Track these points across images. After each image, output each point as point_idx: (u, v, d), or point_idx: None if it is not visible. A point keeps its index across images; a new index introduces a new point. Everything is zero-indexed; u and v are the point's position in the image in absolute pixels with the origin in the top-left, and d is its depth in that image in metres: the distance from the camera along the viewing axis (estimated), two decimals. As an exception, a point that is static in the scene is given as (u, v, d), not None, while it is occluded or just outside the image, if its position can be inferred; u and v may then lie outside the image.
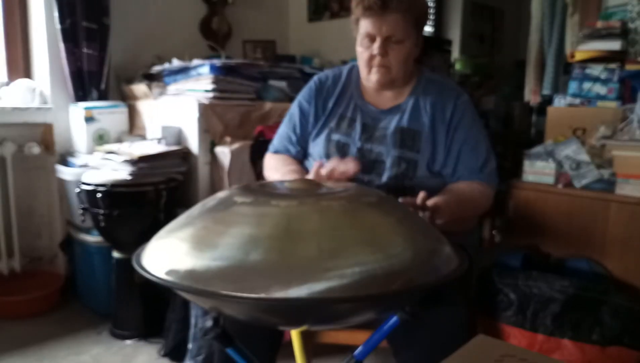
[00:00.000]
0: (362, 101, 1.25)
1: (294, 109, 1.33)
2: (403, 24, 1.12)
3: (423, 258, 0.70)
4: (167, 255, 0.71)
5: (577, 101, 1.69)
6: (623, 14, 1.66)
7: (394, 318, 0.76)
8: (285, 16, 3.14)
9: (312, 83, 1.33)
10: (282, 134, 1.35)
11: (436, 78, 1.26)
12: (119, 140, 2.13)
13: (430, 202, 1.01)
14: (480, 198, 1.18)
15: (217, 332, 0.72)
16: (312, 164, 1.16)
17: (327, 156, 1.24)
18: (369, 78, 1.20)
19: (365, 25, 1.14)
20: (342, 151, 1.22)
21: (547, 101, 1.98)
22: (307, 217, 0.69)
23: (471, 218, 1.24)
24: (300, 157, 1.32)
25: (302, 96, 1.33)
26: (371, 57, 1.17)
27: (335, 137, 1.24)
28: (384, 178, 1.16)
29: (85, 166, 1.97)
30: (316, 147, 1.27)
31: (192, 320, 1.49)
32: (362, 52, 1.18)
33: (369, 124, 1.22)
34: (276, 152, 1.36)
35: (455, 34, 3.69)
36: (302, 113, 1.31)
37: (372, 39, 1.15)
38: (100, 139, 2.11)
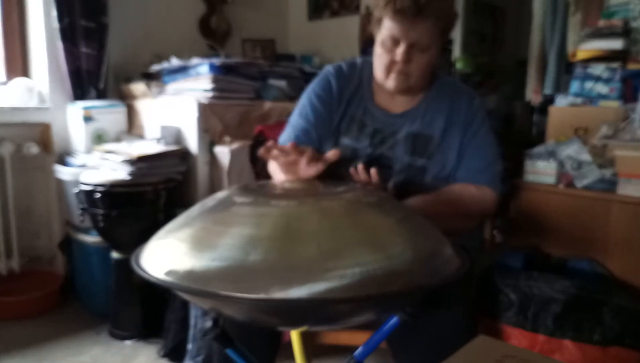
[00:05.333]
0: (373, 104, 1.20)
1: (307, 101, 1.23)
2: (432, 31, 1.06)
3: (423, 258, 0.70)
4: (166, 255, 0.70)
5: (579, 100, 1.68)
6: (625, 12, 1.65)
7: (394, 319, 0.76)
8: (284, 15, 3.14)
9: (327, 74, 1.23)
10: (295, 126, 1.23)
11: (449, 81, 1.23)
12: (117, 140, 2.12)
13: (407, 202, 1.02)
14: (469, 201, 1.14)
15: (217, 333, 0.71)
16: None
17: (337, 160, 1.20)
18: (386, 83, 1.14)
19: (390, 28, 1.07)
20: (351, 156, 1.18)
21: (549, 100, 1.97)
22: (307, 217, 0.69)
23: (461, 221, 1.18)
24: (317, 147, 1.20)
25: (317, 87, 1.23)
26: (392, 62, 1.10)
27: (345, 141, 1.20)
28: (390, 184, 1.13)
29: (83, 166, 1.97)
30: (325, 150, 1.23)
31: (192, 321, 1.48)
32: (381, 54, 1.11)
33: (380, 129, 1.18)
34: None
35: (456, 33, 3.68)
36: (322, 102, 1.20)
37: (395, 42, 1.08)
38: (99, 138, 2.10)
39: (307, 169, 0.95)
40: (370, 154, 1.17)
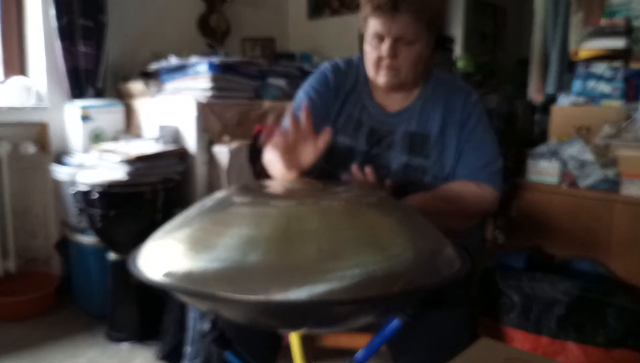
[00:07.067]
0: (370, 101, 1.20)
1: (304, 95, 1.23)
2: (414, 24, 1.07)
3: (424, 259, 0.69)
4: (164, 256, 0.69)
5: (581, 99, 1.67)
6: (627, 11, 1.64)
7: (395, 322, 0.75)
8: (284, 13, 3.13)
9: (324, 69, 1.24)
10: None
11: (446, 77, 1.22)
12: (115, 139, 2.11)
13: (405, 200, 1.02)
14: (470, 198, 1.12)
15: (215, 335, 0.71)
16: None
17: (331, 159, 1.19)
18: (377, 79, 1.15)
19: (374, 25, 1.09)
20: (347, 155, 1.17)
21: (551, 99, 1.96)
22: (307, 218, 0.68)
23: (462, 219, 1.16)
24: None
25: (315, 81, 1.23)
26: (379, 58, 1.11)
27: (341, 140, 1.19)
28: (387, 182, 1.11)
29: (81, 165, 1.95)
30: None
31: (190, 323, 1.47)
32: (370, 52, 1.13)
33: (377, 128, 1.18)
34: None
35: (457, 32, 3.68)
36: (319, 96, 1.20)
37: (380, 39, 1.09)
38: (97, 138, 2.09)
39: (305, 151, 0.94)
40: (366, 153, 1.17)
